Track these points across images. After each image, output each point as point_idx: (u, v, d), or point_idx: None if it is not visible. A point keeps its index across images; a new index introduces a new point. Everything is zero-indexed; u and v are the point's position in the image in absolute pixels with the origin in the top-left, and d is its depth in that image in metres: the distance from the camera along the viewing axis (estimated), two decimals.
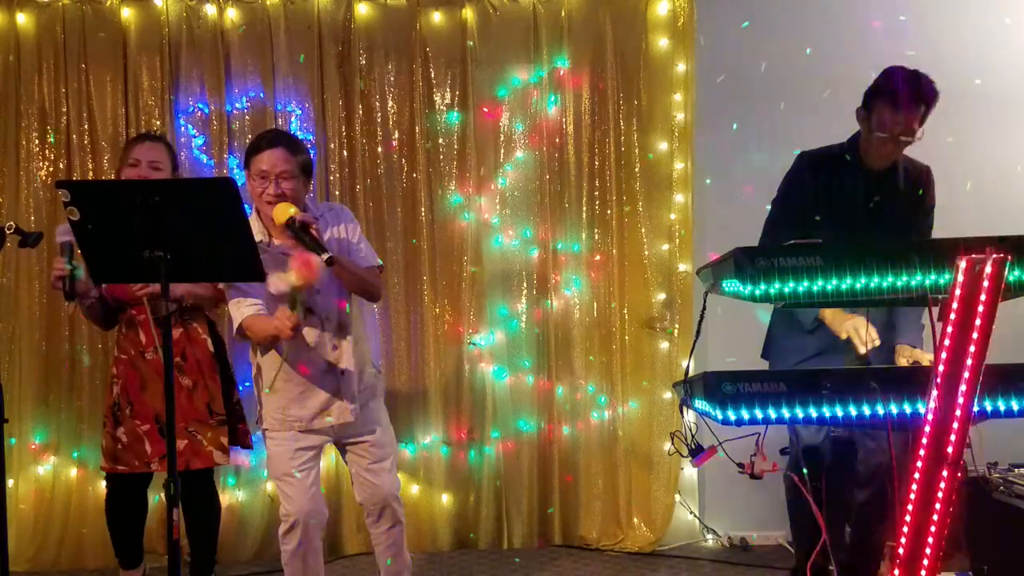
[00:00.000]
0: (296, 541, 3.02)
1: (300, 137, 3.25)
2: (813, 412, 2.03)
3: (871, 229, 3.14)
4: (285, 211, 2.80)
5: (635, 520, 4.41)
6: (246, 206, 2.67)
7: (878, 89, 3.06)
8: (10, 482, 4.10)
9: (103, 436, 3.41)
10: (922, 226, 3.24)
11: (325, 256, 2.69)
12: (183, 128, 4.32)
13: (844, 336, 2.93)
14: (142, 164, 3.31)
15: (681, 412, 2.39)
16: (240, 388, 3.62)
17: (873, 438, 3.13)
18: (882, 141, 3.04)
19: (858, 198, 3.15)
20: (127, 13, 4.30)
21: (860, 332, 2.89)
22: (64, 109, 4.26)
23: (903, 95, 2.97)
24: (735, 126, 4.39)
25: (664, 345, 4.43)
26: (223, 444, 3.35)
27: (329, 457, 4.21)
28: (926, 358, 3.01)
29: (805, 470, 2.78)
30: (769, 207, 3.36)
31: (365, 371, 3.11)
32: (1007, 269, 1.92)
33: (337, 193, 4.31)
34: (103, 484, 3.58)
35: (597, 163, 4.43)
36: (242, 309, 2.94)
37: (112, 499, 3.49)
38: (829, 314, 3.03)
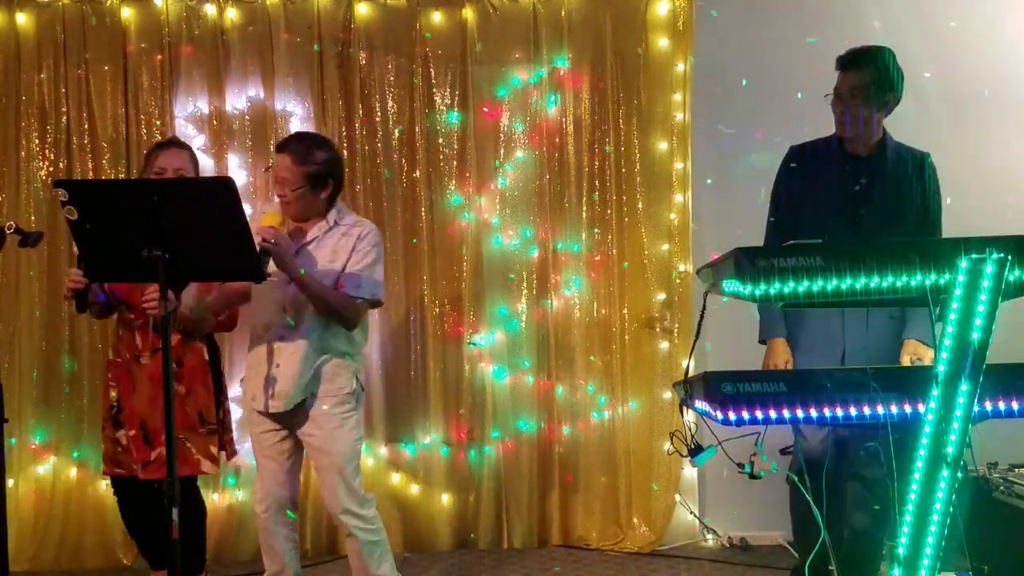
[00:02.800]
0: (261, 517, 3.13)
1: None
2: (813, 412, 2.02)
3: (858, 213, 3.15)
4: (265, 219, 2.93)
5: (635, 520, 4.41)
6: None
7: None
8: (10, 482, 4.09)
9: (103, 440, 3.37)
10: (920, 213, 3.18)
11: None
12: (183, 128, 4.32)
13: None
14: (168, 172, 3.21)
15: (681, 412, 2.39)
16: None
17: (869, 437, 3.13)
18: (833, 103, 3.17)
19: (843, 182, 3.18)
20: (127, 13, 4.30)
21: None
22: (64, 109, 4.26)
23: (844, 58, 3.15)
24: (734, 126, 4.40)
25: (664, 345, 4.43)
26: (212, 453, 3.28)
27: None
28: (928, 356, 3.01)
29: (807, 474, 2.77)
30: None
31: (323, 370, 3.02)
32: (1007, 269, 1.92)
33: None
34: (103, 485, 3.56)
35: (597, 163, 4.43)
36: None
37: (123, 505, 3.44)
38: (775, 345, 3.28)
